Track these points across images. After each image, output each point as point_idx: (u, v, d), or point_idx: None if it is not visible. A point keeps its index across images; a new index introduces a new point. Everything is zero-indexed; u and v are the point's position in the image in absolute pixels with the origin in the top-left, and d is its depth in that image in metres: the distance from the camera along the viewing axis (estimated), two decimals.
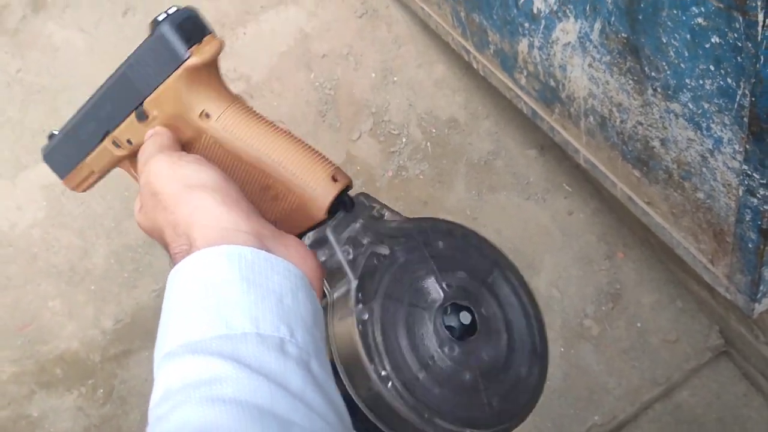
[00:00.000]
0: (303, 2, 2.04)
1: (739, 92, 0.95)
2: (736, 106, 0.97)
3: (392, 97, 1.97)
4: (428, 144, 1.94)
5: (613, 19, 1.08)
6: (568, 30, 1.22)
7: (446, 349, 0.69)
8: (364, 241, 0.72)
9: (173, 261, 0.61)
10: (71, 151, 0.82)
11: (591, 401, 1.78)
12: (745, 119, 0.97)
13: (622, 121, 1.28)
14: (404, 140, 1.94)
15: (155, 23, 0.72)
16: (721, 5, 0.86)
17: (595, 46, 1.18)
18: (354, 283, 0.70)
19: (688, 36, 0.95)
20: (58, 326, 1.85)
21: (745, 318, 1.57)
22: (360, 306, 0.69)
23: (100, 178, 0.86)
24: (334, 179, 0.73)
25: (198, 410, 0.49)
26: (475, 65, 1.72)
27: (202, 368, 0.52)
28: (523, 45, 1.41)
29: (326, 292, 0.71)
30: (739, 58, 0.90)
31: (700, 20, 0.92)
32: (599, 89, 1.26)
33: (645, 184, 1.38)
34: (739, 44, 0.88)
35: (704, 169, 1.15)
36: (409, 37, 2.01)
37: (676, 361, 1.78)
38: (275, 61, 1.99)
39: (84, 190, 0.88)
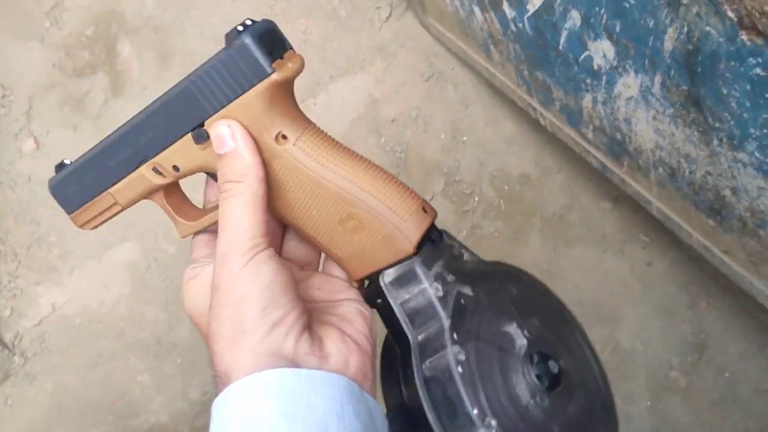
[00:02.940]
0: (371, 69, 2.08)
1: None
2: None
3: (463, 157, 1.99)
4: (501, 201, 1.94)
5: (672, 72, 1.08)
6: (629, 84, 1.22)
7: (537, 399, 0.65)
8: (449, 279, 0.67)
9: (215, 377, 0.60)
10: (92, 180, 0.74)
11: None
12: None
13: (691, 172, 1.27)
14: (477, 199, 1.95)
15: (234, 34, 0.64)
16: None
17: (658, 99, 1.17)
18: (447, 322, 0.65)
19: (748, 87, 0.95)
20: (147, 399, 1.89)
21: None
22: (456, 347, 0.64)
23: (120, 212, 0.76)
24: (424, 210, 0.67)
25: None
26: (542, 122, 1.73)
27: None
28: (587, 100, 1.41)
29: (408, 334, 0.65)
30: None
31: (758, 71, 0.91)
32: (665, 141, 1.25)
33: (720, 233, 1.36)
34: None
35: None
36: (475, 96, 2.03)
37: None
38: (346, 128, 2.03)
39: (94, 227, 0.78)
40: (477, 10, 1.60)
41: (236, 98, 0.65)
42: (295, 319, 0.60)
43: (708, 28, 0.93)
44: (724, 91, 1.00)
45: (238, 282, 0.60)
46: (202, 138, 0.67)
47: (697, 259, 1.75)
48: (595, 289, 1.85)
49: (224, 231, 0.62)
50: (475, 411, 0.61)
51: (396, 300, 0.66)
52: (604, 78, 1.28)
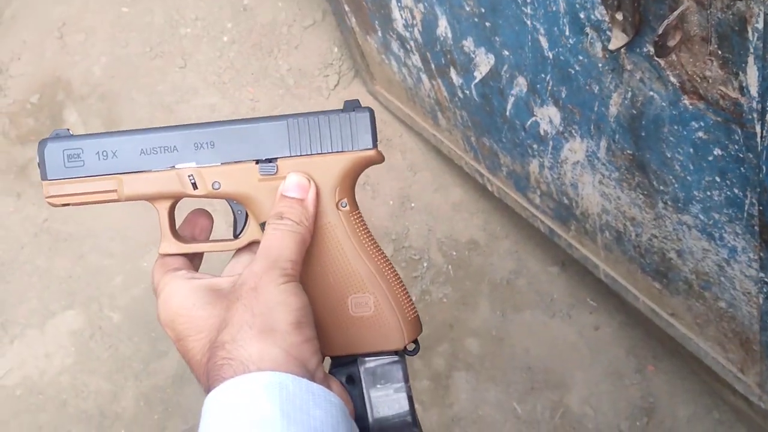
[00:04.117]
0: None
1: (747, 202, 0.95)
2: (745, 215, 0.98)
3: (411, 223, 1.99)
4: (450, 267, 1.95)
5: (617, 136, 1.10)
6: (575, 149, 1.24)
7: None
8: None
9: (214, 365, 0.61)
10: (108, 157, 0.74)
11: None
12: (756, 228, 0.97)
13: (637, 235, 1.28)
14: (426, 265, 1.95)
15: (356, 103, 0.72)
16: (719, 119, 0.88)
17: (603, 164, 1.19)
18: (410, 418, 0.71)
19: (691, 150, 0.97)
20: None
21: None
22: None
23: (110, 202, 0.77)
24: (419, 320, 0.75)
25: None
26: (489, 187, 1.75)
27: None
28: (533, 166, 1.43)
29: (370, 419, 0.71)
30: (742, 168, 0.91)
31: (701, 134, 0.93)
32: (612, 205, 1.27)
33: (667, 296, 1.37)
34: (741, 155, 0.89)
35: (723, 279, 1.15)
36: (423, 163, 2.04)
37: None
38: None
39: (63, 205, 0.77)
40: (424, 77, 1.62)
41: (326, 153, 0.71)
42: (318, 346, 0.65)
43: (651, 93, 0.95)
44: (668, 155, 1.02)
45: (280, 291, 0.64)
46: (269, 171, 0.72)
47: (644, 322, 1.76)
48: (543, 354, 1.85)
49: (271, 250, 0.67)
50: None
51: (368, 387, 0.72)
52: (551, 143, 1.30)
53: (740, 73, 0.79)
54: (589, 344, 1.84)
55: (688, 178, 1.03)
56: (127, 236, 1.99)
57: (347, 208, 0.72)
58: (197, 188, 0.73)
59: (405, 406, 0.71)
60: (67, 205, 0.77)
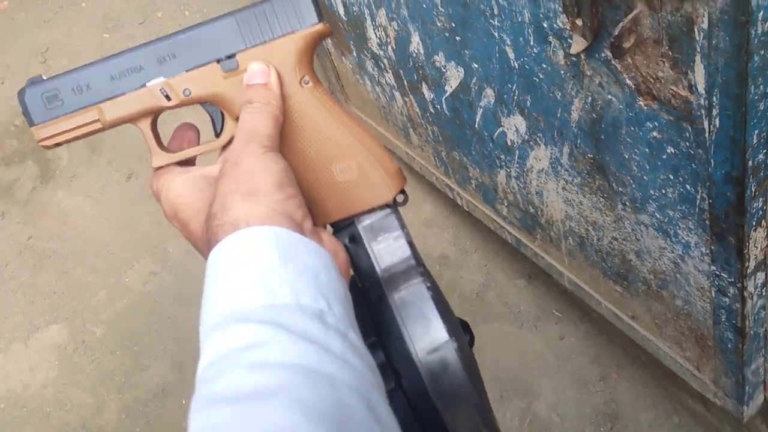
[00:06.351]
0: None
1: (698, 197, 1.03)
2: (697, 210, 1.06)
3: None
4: None
5: (578, 141, 1.18)
6: (540, 157, 1.32)
7: (466, 345, 0.78)
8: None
9: (211, 234, 0.65)
10: (82, 91, 0.76)
11: None
12: (707, 221, 1.05)
13: (598, 239, 1.36)
14: None
15: None
16: (672, 117, 0.96)
17: (566, 169, 1.27)
18: (414, 261, 0.75)
19: (647, 149, 1.05)
20: None
21: (739, 427, 1.61)
22: (425, 278, 0.74)
23: (97, 132, 0.78)
24: (401, 172, 0.79)
25: (245, 374, 0.53)
26: (459, 201, 1.82)
27: (248, 334, 0.56)
28: (501, 176, 1.51)
29: (378, 270, 0.75)
30: (693, 164, 0.99)
31: (655, 134, 1.01)
32: (574, 210, 1.35)
33: (627, 298, 1.44)
34: (692, 152, 0.97)
35: (678, 276, 1.23)
36: None
37: None
38: None
39: (56, 145, 0.79)
40: (398, 94, 1.70)
41: (278, 38, 0.75)
42: (303, 201, 0.69)
43: (609, 97, 1.03)
44: (626, 156, 1.10)
45: (259, 159, 0.67)
46: (231, 67, 0.76)
47: (607, 331, 1.84)
48: (512, 363, 1.92)
49: (246, 129, 0.71)
50: (446, 327, 0.72)
51: (369, 242, 0.76)
52: (517, 152, 1.38)
53: (689, 72, 0.87)
54: (555, 353, 1.91)
55: (645, 177, 1.10)
56: (110, 252, 2.05)
57: (310, 84, 0.76)
58: (170, 99, 0.76)
59: (407, 251, 0.75)
60: (59, 144, 0.79)
